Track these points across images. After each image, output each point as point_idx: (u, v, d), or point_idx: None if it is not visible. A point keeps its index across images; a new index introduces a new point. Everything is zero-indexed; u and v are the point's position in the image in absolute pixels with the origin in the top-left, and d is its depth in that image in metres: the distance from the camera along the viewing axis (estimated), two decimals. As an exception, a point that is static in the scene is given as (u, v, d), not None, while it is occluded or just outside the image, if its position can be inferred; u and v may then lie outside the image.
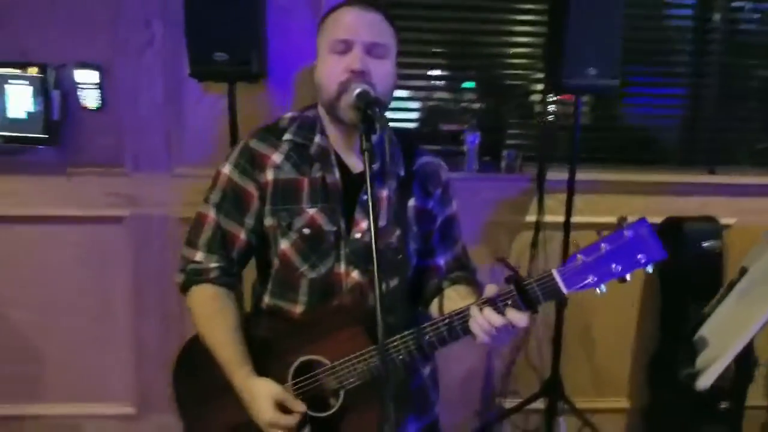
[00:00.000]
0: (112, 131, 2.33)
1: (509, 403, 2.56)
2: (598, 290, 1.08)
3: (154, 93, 2.32)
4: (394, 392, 1.19)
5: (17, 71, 2.17)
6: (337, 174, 1.29)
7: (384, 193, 1.32)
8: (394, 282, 1.32)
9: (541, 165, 2.43)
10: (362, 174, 1.26)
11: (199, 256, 1.32)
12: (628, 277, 1.07)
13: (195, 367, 1.35)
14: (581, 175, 2.52)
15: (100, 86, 2.26)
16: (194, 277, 1.32)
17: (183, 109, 2.35)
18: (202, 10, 1.92)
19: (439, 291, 1.37)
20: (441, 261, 1.40)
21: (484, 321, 1.12)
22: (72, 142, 2.32)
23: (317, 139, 1.31)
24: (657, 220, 2.54)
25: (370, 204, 1.06)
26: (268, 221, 1.31)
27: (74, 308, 2.43)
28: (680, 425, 2.43)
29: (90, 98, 2.27)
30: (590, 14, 2.05)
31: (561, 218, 2.39)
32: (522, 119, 2.68)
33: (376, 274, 1.03)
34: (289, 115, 1.36)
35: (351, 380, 1.22)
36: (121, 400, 2.51)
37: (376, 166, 1.28)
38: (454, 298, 1.31)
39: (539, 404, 2.51)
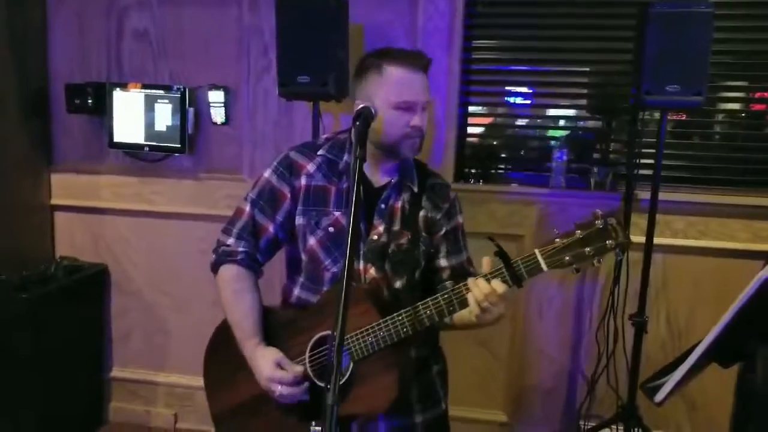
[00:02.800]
0: (234, 143, 2.71)
1: (588, 426, 2.50)
2: (573, 271, 1.28)
3: (269, 111, 2.66)
4: (400, 379, 1.37)
5: (162, 92, 2.64)
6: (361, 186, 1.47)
7: (398, 203, 1.53)
8: (402, 281, 1.51)
9: (629, 183, 2.37)
10: (381, 188, 1.53)
11: (230, 240, 1.57)
12: (597, 262, 1.27)
13: (220, 349, 1.59)
14: (682, 196, 2.43)
15: (226, 105, 2.65)
16: (224, 257, 1.57)
17: (293, 125, 2.65)
18: (291, 38, 2.19)
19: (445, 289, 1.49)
20: (445, 263, 1.58)
21: (477, 289, 1.29)
22: (202, 152, 2.74)
23: (346, 157, 1.53)
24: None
25: (354, 196, 1.23)
26: (299, 220, 1.54)
27: (197, 293, 2.81)
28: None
29: (218, 115, 2.66)
30: (671, 31, 2.00)
31: (657, 240, 2.32)
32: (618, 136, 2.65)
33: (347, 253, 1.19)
34: (325, 136, 1.62)
35: (360, 352, 1.37)
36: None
37: (393, 181, 1.53)
38: None
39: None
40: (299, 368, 1.42)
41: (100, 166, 2.83)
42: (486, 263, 1.32)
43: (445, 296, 1.34)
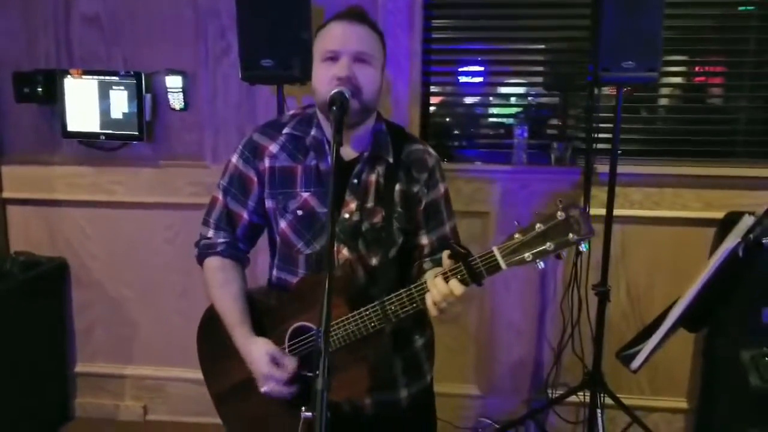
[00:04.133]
0: (194, 129, 2.65)
1: (556, 394, 2.59)
2: (537, 265, 1.20)
3: (230, 95, 2.61)
4: (373, 357, 1.38)
5: (117, 78, 2.56)
6: (330, 161, 1.43)
7: (372, 177, 1.46)
8: (378, 257, 1.46)
9: (588, 157, 2.44)
10: (352, 162, 1.46)
11: (210, 232, 1.54)
12: (563, 254, 1.19)
13: (212, 331, 1.56)
14: (639, 169, 2.51)
15: (184, 90, 2.59)
16: (205, 250, 1.54)
17: (255, 108, 2.61)
18: (252, 21, 2.15)
19: (423, 271, 1.46)
20: (425, 240, 1.50)
21: (434, 289, 1.24)
22: (162, 139, 2.67)
23: (313, 131, 1.46)
24: (719, 215, 2.45)
25: (332, 183, 1.21)
26: (268, 203, 1.50)
27: (163, 284, 2.77)
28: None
29: (176, 101, 2.60)
30: (626, 8, 2.06)
31: (616, 212, 2.38)
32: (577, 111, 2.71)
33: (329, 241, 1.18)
34: (291, 112, 1.56)
35: (333, 344, 1.35)
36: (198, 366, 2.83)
37: (366, 153, 1.46)
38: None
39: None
40: (293, 364, 1.40)
41: (53, 157, 2.73)
42: (446, 260, 1.25)
43: (408, 292, 1.30)
